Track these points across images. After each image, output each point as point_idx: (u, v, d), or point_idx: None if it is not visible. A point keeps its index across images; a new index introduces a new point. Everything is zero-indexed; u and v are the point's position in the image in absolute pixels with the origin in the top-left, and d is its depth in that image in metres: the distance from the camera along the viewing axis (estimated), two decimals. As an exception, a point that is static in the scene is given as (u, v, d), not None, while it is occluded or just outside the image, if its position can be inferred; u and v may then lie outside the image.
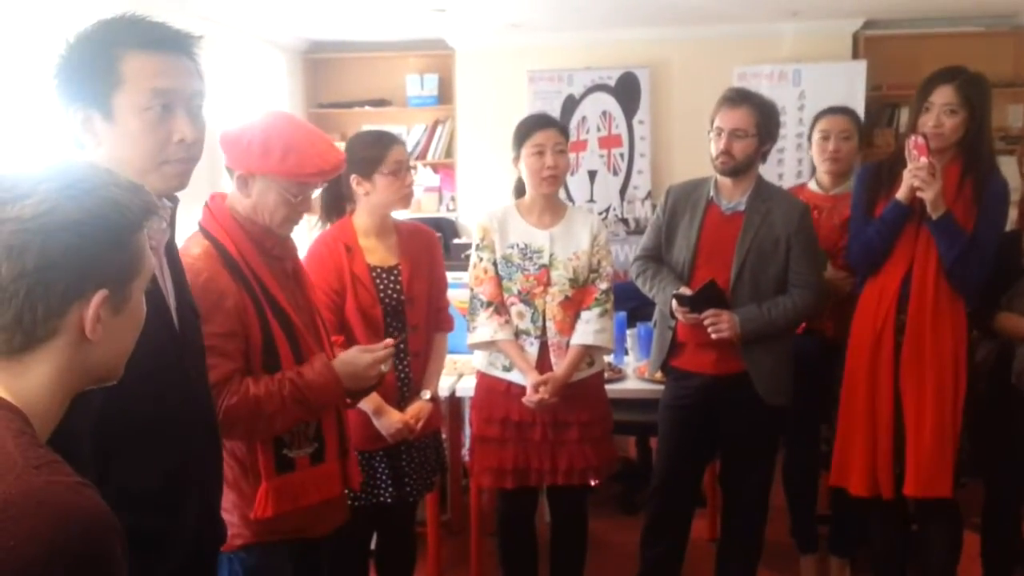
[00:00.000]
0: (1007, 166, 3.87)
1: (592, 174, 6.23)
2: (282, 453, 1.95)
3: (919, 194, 2.58)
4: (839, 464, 2.82)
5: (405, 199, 2.67)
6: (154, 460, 1.45)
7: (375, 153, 2.60)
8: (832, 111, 3.37)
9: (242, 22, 5.35)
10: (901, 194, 2.63)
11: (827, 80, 5.77)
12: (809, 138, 3.42)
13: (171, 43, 1.47)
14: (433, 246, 2.83)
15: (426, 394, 2.69)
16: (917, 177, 2.56)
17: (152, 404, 1.40)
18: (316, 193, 2.10)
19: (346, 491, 2.18)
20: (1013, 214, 3.05)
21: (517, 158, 2.86)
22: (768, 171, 3.77)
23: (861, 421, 2.74)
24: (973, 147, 2.64)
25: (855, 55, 5.98)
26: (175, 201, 1.56)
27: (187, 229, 1.93)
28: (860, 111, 5.47)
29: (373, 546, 2.85)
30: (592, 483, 2.95)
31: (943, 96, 2.60)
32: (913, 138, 2.59)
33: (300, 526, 2.00)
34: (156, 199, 1.12)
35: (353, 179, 2.62)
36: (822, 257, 3.07)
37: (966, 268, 2.60)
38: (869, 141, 5.63)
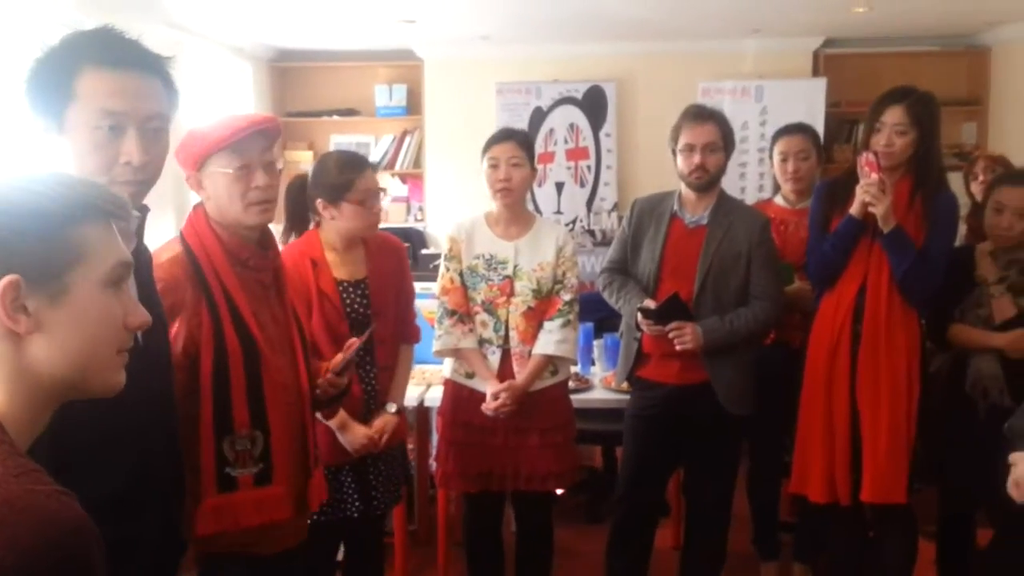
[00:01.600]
0: (960, 181, 4.01)
1: (559, 186, 6.29)
2: (225, 471, 1.87)
3: (870, 209, 2.66)
4: (799, 472, 2.88)
5: (372, 227, 2.64)
6: (113, 470, 1.43)
7: (343, 180, 2.57)
8: (790, 131, 3.44)
9: (207, 30, 5.32)
10: (854, 209, 2.71)
11: (788, 96, 5.90)
12: (771, 155, 3.51)
13: (132, 62, 1.46)
14: (401, 258, 2.84)
15: (392, 407, 2.69)
16: (868, 193, 2.65)
17: (111, 413, 1.34)
18: (283, 167, 2.03)
19: (303, 511, 2.10)
20: (963, 229, 3.16)
21: (483, 171, 2.91)
22: (731, 185, 3.86)
23: (819, 430, 2.81)
24: (923, 164, 2.73)
25: (815, 72, 6.12)
26: (144, 211, 1.56)
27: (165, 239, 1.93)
28: (820, 127, 5.59)
29: (340, 558, 2.86)
30: (556, 491, 2.99)
31: (894, 116, 2.69)
32: (865, 156, 2.68)
33: (245, 542, 1.92)
34: (120, 199, 1.10)
35: (319, 203, 2.61)
36: (787, 270, 3.14)
37: (917, 280, 2.69)
38: (829, 156, 5.76)
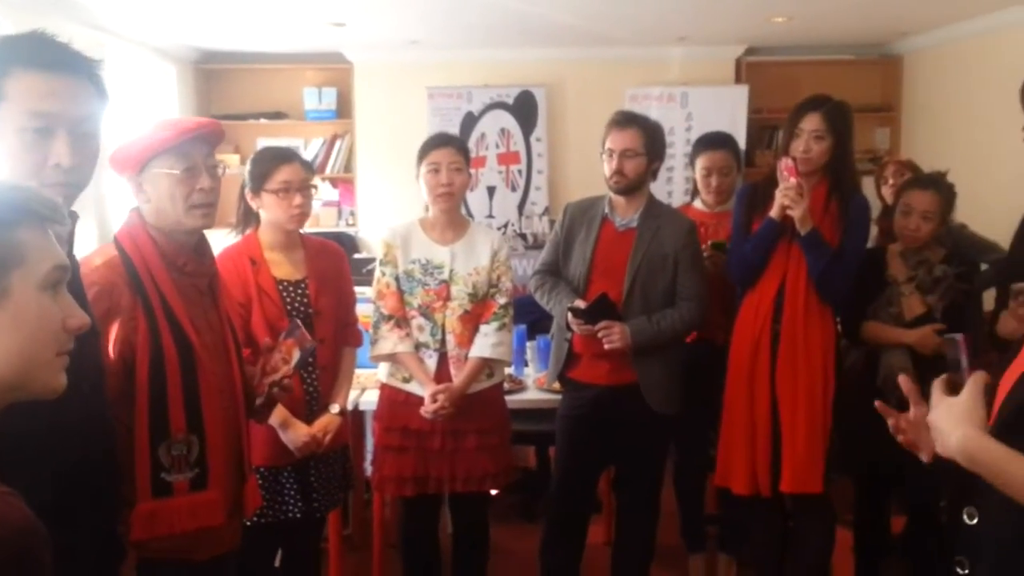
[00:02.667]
0: (873, 185, 4.18)
1: (491, 190, 6.35)
2: (160, 477, 1.86)
3: (789, 212, 2.78)
4: (723, 465, 3.00)
5: (294, 219, 2.65)
6: (46, 475, 1.41)
7: (262, 170, 2.63)
8: (713, 145, 3.52)
9: (130, 31, 5.22)
10: (773, 212, 2.83)
11: (712, 103, 6.06)
12: (692, 162, 3.61)
13: (63, 65, 1.46)
14: (341, 262, 2.87)
15: (335, 408, 2.71)
16: (787, 197, 2.77)
17: (43, 418, 1.34)
18: (224, 172, 2.04)
19: (237, 516, 2.10)
20: (875, 231, 3.31)
21: (418, 175, 2.94)
22: (658, 189, 3.96)
23: (741, 424, 2.92)
24: (838, 169, 2.86)
25: (738, 80, 6.30)
26: (74, 217, 1.55)
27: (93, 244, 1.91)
28: (742, 133, 5.79)
29: (277, 563, 2.86)
30: (491, 492, 3.03)
31: (811, 123, 2.81)
32: (784, 161, 2.80)
33: (178, 548, 1.91)
34: (54, 202, 1.10)
35: (247, 194, 2.67)
36: (721, 245, 3.24)
37: (832, 280, 2.82)
38: (751, 161, 5.96)
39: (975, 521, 1.29)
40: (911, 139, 6.18)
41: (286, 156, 2.68)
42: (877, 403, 1.49)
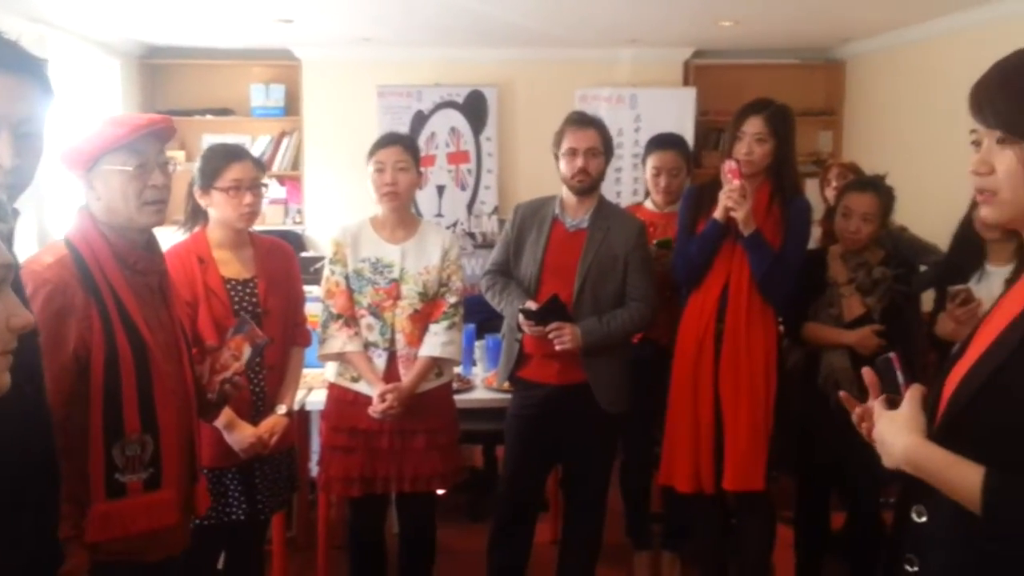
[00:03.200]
0: (816, 188, 4.27)
1: (440, 189, 6.34)
2: (114, 477, 1.85)
3: (732, 214, 2.82)
4: (666, 464, 3.03)
5: (244, 218, 2.63)
6: None
7: (213, 167, 2.60)
8: (664, 145, 3.55)
9: (72, 24, 5.11)
10: (717, 214, 2.87)
11: (661, 104, 6.14)
12: (644, 161, 3.64)
13: (8, 63, 1.42)
14: (290, 261, 2.84)
15: (281, 408, 2.68)
16: (730, 198, 2.81)
17: None
18: (175, 169, 2.03)
19: (188, 516, 2.11)
20: (817, 232, 3.37)
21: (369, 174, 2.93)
22: (607, 189, 3.99)
23: (685, 423, 2.95)
24: (780, 172, 2.91)
25: (686, 82, 6.39)
26: (16, 214, 1.52)
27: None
28: (690, 134, 5.87)
29: (220, 565, 2.82)
30: (438, 491, 3.03)
31: (753, 126, 2.86)
32: (728, 163, 2.85)
33: (131, 549, 1.91)
34: None
35: (196, 191, 2.63)
36: (667, 243, 3.27)
37: (774, 280, 2.87)
38: (698, 162, 6.03)
39: (924, 519, 1.32)
40: (853, 142, 6.32)
41: (237, 154, 2.65)
42: (842, 393, 1.52)
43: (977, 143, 1.27)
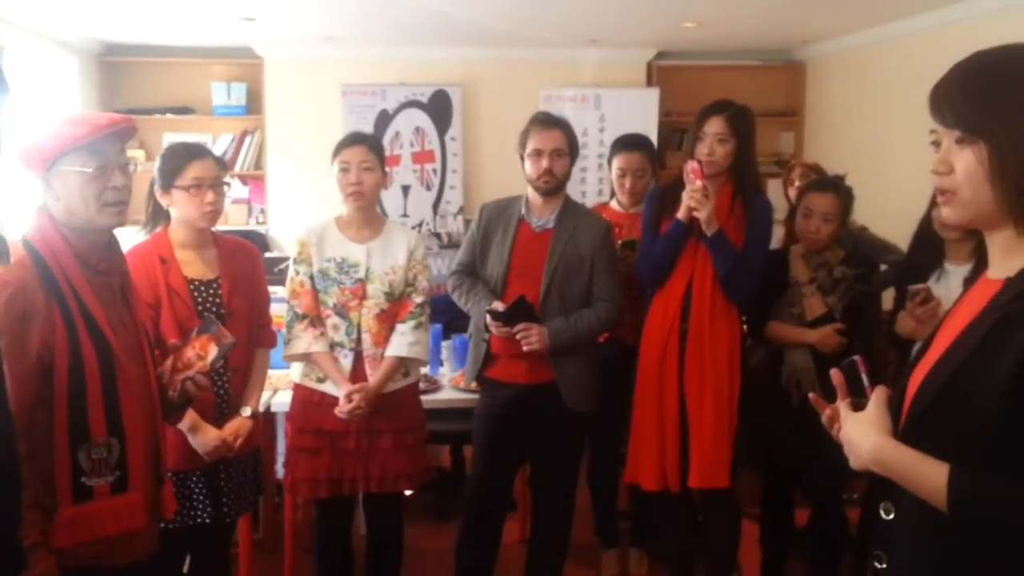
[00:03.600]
0: (778, 188, 4.32)
1: (406, 189, 6.32)
2: (80, 481, 1.83)
3: (695, 214, 2.85)
4: (633, 463, 3.05)
5: (206, 217, 2.60)
6: None
7: (173, 166, 2.57)
8: (629, 147, 3.56)
9: (28, 21, 5.01)
10: (680, 214, 2.89)
11: (625, 105, 6.18)
12: (609, 162, 3.66)
13: None
14: (255, 262, 2.81)
15: (246, 411, 2.66)
16: (693, 199, 2.83)
17: None
18: (136, 169, 2.00)
19: (155, 520, 2.08)
20: (780, 232, 3.41)
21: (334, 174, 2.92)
22: (572, 190, 4.00)
23: (651, 422, 2.97)
24: (741, 172, 2.94)
25: (649, 83, 6.43)
26: None
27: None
28: (654, 134, 5.91)
29: (186, 569, 2.79)
30: (405, 492, 3.02)
31: (714, 127, 2.89)
32: (690, 163, 2.87)
33: (99, 553, 1.89)
34: None
35: (157, 191, 2.61)
36: (632, 243, 3.29)
37: (737, 280, 2.90)
38: (662, 163, 6.07)
39: (891, 516, 1.33)
40: (814, 143, 6.40)
41: (198, 152, 2.62)
42: (811, 396, 1.53)
43: (937, 143, 1.29)
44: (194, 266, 2.62)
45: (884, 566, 1.35)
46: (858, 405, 1.39)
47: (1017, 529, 1.16)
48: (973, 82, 1.23)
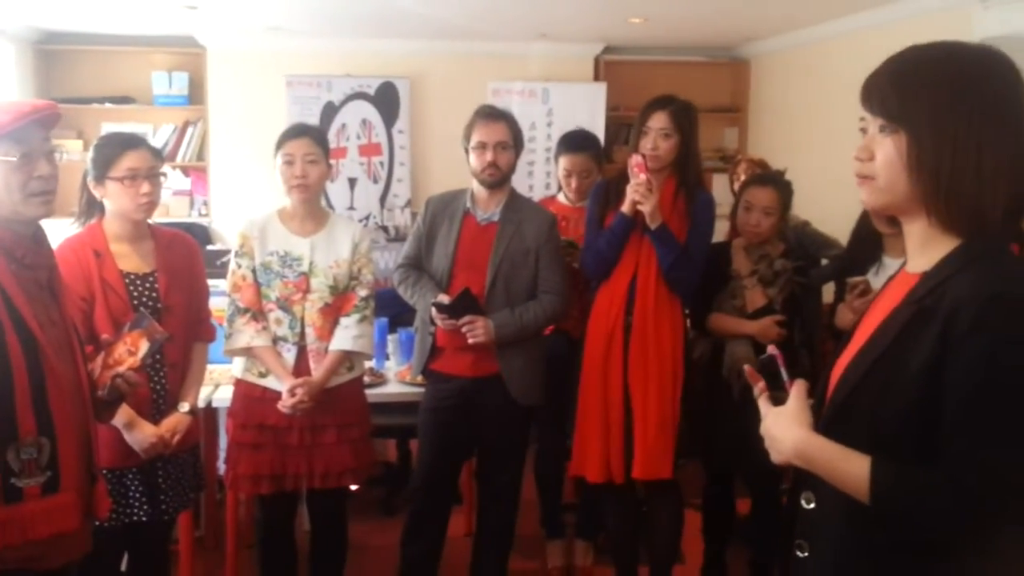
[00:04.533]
0: (724, 183, 4.37)
1: (352, 181, 6.26)
2: (10, 482, 1.76)
3: (639, 207, 2.87)
4: (578, 455, 3.06)
5: (141, 209, 2.55)
6: None
7: (106, 156, 2.51)
8: (575, 147, 3.56)
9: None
10: (625, 207, 2.91)
11: (572, 99, 6.20)
12: (556, 159, 3.67)
13: None
14: (193, 255, 2.76)
15: (184, 406, 2.61)
16: (637, 192, 2.86)
17: None
18: (63, 157, 1.93)
19: (89, 520, 2.02)
20: (725, 226, 3.45)
21: (276, 166, 2.87)
22: (520, 184, 4.01)
23: (596, 414, 2.99)
24: (685, 166, 2.98)
25: (596, 77, 6.46)
26: None
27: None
28: (601, 129, 5.94)
29: (124, 567, 2.73)
30: (350, 487, 3.00)
31: (658, 121, 2.92)
32: (634, 158, 2.89)
33: (30, 556, 1.83)
34: None
35: (90, 182, 2.54)
36: (573, 245, 3.31)
37: (680, 272, 2.93)
38: (609, 157, 6.11)
39: (812, 506, 1.36)
40: (758, 139, 6.50)
41: (132, 142, 2.56)
42: (747, 368, 1.52)
43: (864, 131, 1.32)
44: (129, 259, 2.57)
45: (805, 555, 1.37)
46: (777, 399, 1.40)
47: (935, 518, 1.18)
48: (902, 74, 1.26)
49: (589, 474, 3.02)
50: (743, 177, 4.04)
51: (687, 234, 2.94)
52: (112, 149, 2.51)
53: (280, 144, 2.86)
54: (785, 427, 1.34)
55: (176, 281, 2.62)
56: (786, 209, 3.20)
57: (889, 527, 1.24)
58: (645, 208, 2.85)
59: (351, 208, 6.22)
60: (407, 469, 4.18)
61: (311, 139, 2.87)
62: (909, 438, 1.21)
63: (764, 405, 1.41)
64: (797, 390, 1.37)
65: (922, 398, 1.19)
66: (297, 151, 2.83)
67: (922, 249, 1.30)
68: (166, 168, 6.12)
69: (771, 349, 1.58)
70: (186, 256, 2.71)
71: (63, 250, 2.46)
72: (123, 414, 2.38)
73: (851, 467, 1.24)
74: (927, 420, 1.19)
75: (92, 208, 2.60)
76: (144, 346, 2.11)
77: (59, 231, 2.10)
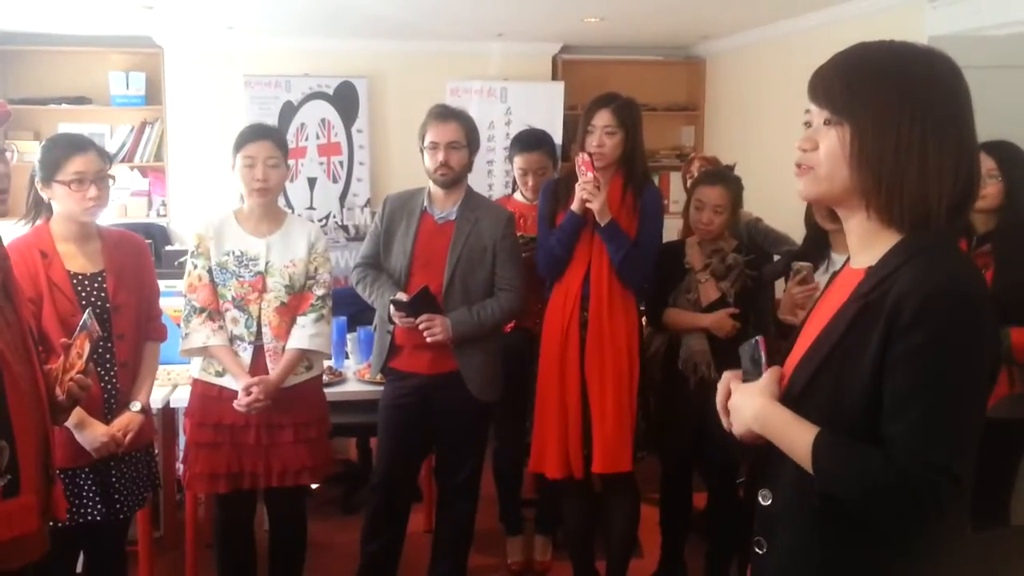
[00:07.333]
0: (680, 180, 4.43)
1: (312, 181, 6.24)
2: None
3: (588, 205, 2.91)
4: (537, 451, 3.09)
5: (89, 211, 2.54)
6: None
7: (54, 159, 2.49)
8: (529, 146, 3.59)
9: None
10: (575, 205, 2.95)
11: (530, 98, 6.23)
12: (511, 159, 3.70)
13: None
14: (142, 254, 2.75)
15: (136, 405, 2.61)
16: (585, 190, 2.90)
17: None
18: (14, 156, 1.93)
19: (47, 521, 2.00)
20: (679, 223, 3.51)
21: (234, 166, 2.87)
22: (479, 182, 4.04)
23: (554, 410, 3.03)
24: (630, 162, 3.02)
25: (554, 76, 6.50)
26: None
27: None
28: (559, 127, 5.99)
29: (80, 568, 2.72)
30: (309, 485, 3.01)
31: (602, 119, 2.96)
32: (581, 156, 2.93)
33: None
34: None
35: (37, 183, 2.53)
36: (533, 240, 3.34)
37: (632, 267, 2.97)
38: (566, 156, 6.15)
39: (769, 502, 1.38)
40: (714, 137, 6.58)
41: (80, 145, 2.54)
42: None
43: (809, 124, 1.36)
44: (77, 260, 2.56)
45: (764, 551, 1.39)
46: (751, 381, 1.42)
47: (864, 484, 1.20)
48: (849, 68, 1.30)
49: (548, 470, 3.05)
50: (697, 175, 4.09)
51: (637, 228, 2.99)
52: (60, 152, 2.50)
53: (240, 145, 2.85)
54: (749, 396, 1.36)
55: (125, 281, 2.62)
56: (737, 205, 3.26)
57: (841, 518, 1.25)
58: (594, 205, 2.89)
59: (311, 208, 6.20)
60: (368, 468, 4.19)
61: (273, 143, 2.87)
62: (861, 431, 1.23)
63: (734, 383, 1.42)
64: (771, 373, 1.38)
65: (873, 391, 1.22)
66: (259, 154, 2.83)
67: (864, 245, 1.33)
68: (124, 168, 6.05)
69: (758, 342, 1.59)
70: (135, 255, 2.71)
71: (10, 251, 2.40)
72: (74, 415, 2.36)
73: (800, 435, 1.26)
74: (874, 413, 1.22)
75: (39, 208, 2.58)
76: (87, 347, 2.10)
77: (6, 231, 2.08)
